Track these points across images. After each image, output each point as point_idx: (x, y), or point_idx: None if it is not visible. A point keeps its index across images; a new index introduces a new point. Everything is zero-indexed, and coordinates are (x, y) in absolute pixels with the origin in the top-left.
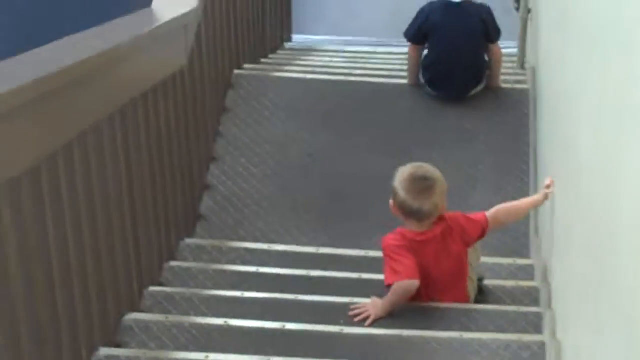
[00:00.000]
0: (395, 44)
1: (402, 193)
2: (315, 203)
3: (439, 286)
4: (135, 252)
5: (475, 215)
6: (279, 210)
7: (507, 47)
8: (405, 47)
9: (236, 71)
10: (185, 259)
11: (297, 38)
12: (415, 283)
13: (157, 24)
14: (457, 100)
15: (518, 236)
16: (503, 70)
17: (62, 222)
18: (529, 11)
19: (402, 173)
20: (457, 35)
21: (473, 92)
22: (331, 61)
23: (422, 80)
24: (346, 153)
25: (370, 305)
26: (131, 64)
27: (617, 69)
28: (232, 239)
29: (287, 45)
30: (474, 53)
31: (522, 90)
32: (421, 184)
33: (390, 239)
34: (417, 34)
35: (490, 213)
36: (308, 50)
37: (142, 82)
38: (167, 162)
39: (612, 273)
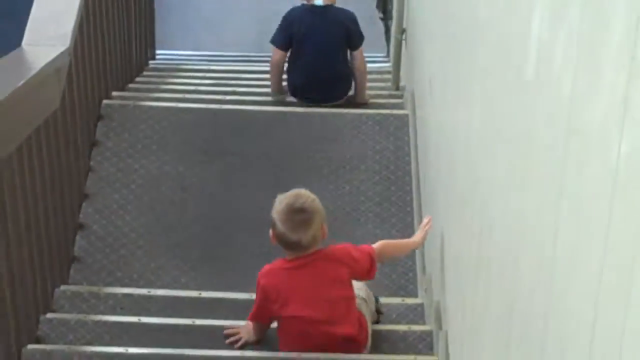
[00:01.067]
0: (262, 58)
1: (280, 225)
2: (193, 240)
3: (324, 312)
4: (12, 306)
5: (362, 246)
6: (156, 249)
7: (372, 59)
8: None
9: (105, 101)
10: (62, 309)
11: (160, 54)
12: (250, 325)
13: (31, 73)
14: (336, 128)
15: (405, 271)
16: (378, 92)
17: None
18: (403, 31)
19: (280, 203)
20: (321, 40)
21: (339, 100)
22: (201, 84)
23: (285, 87)
24: (223, 186)
25: (243, 328)
26: (5, 118)
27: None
28: (110, 283)
29: (152, 63)
30: (338, 57)
31: (402, 116)
32: (299, 217)
33: (260, 273)
34: (283, 39)
35: (376, 245)
36: (174, 71)
37: (17, 135)
38: (39, 203)
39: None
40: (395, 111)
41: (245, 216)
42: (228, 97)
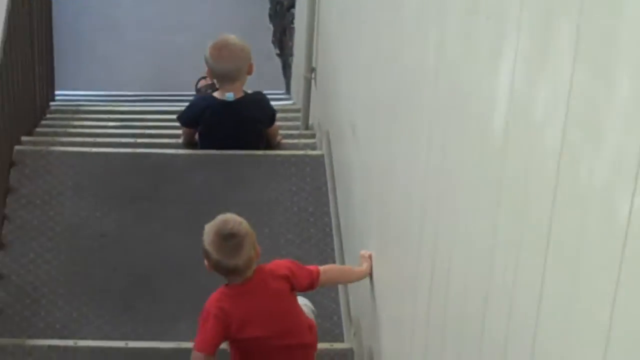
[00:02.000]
0: (164, 97)
1: (214, 254)
2: (114, 287)
3: (279, 327)
4: None
5: (308, 266)
6: (77, 298)
7: (272, 96)
8: (173, 104)
9: (17, 147)
10: None
11: (58, 94)
12: (200, 356)
13: None
14: (252, 170)
15: (329, 314)
16: (287, 131)
17: None
18: (312, 70)
19: (209, 232)
20: (233, 133)
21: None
22: (107, 126)
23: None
24: (142, 231)
25: None
26: None
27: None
28: (33, 334)
29: (52, 105)
30: (252, 140)
31: (317, 157)
32: (231, 243)
33: (208, 303)
34: (191, 123)
35: (322, 268)
36: (77, 113)
37: None
38: None
39: None
40: (309, 152)
41: (166, 261)
42: (139, 140)
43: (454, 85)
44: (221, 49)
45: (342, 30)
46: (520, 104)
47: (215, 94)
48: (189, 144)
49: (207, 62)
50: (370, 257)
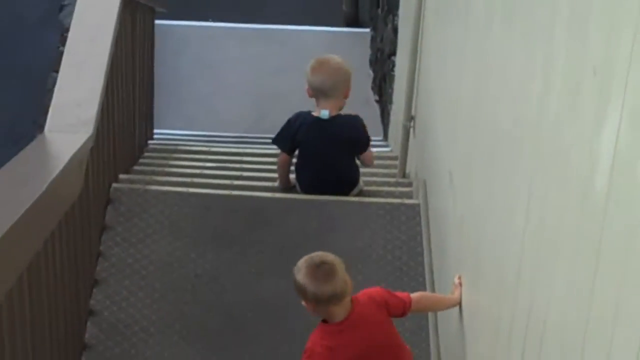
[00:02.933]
0: (261, 140)
1: (309, 286)
2: (206, 329)
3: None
4: None
5: (400, 293)
6: (169, 338)
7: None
8: (270, 146)
9: (114, 185)
10: None
11: (157, 133)
12: None
13: (59, 167)
14: (347, 217)
15: (417, 342)
16: (384, 179)
17: None
18: (411, 119)
19: (299, 270)
20: (326, 152)
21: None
22: (205, 167)
23: (293, 181)
24: (236, 274)
25: None
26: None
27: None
28: None
29: (150, 143)
30: (345, 165)
31: (413, 206)
32: (322, 269)
33: (310, 343)
34: (287, 144)
35: (414, 296)
36: (175, 152)
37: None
38: (53, 290)
39: None
40: (405, 200)
41: (259, 304)
42: (236, 182)
43: (555, 141)
44: (322, 63)
45: (442, 79)
46: (624, 163)
47: (312, 113)
48: (285, 187)
49: (306, 76)
50: (460, 284)
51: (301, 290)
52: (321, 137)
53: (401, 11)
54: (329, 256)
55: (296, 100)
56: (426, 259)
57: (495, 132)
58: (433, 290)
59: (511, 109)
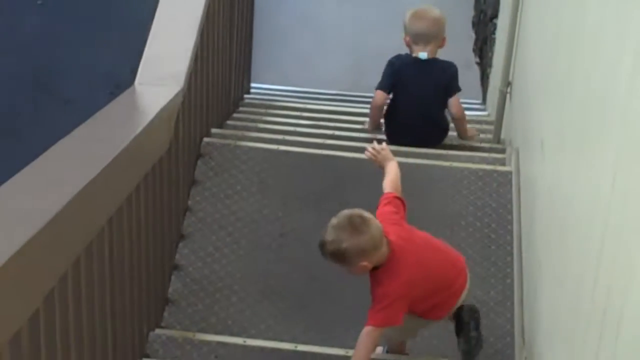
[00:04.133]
0: (358, 99)
1: (347, 242)
2: (289, 288)
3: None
4: (112, 350)
5: (385, 199)
6: (252, 296)
7: (467, 105)
8: (365, 105)
9: (206, 139)
10: (156, 353)
11: (254, 87)
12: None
13: (147, 119)
14: (439, 181)
15: (503, 335)
16: (478, 144)
17: None
18: (508, 84)
19: (336, 229)
20: (420, 93)
21: (436, 145)
22: (298, 124)
23: (382, 128)
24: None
25: None
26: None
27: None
28: (203, 329)
29: (246, 97)
30: (436, 109)
31: (505, 173)
32: (355, 222)
33: (385, 289)
34: (387, 84)
35: (390, 189)
36: (270, 108)
37: (131, 182)
38: (140, 244)
39: None
40: (498, 167)
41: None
42: (328, 142)
43: None
44: (420, 12)
45: (538, 47)
46: None
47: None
48: (374, 129)
49: (404, 25)
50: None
51: (355, 252)
52: (418, 75)
53: None
54: (355, 211)
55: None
56: (515, 228)
57: (585, 103)
58: (520, 261)
59: (601, 79)
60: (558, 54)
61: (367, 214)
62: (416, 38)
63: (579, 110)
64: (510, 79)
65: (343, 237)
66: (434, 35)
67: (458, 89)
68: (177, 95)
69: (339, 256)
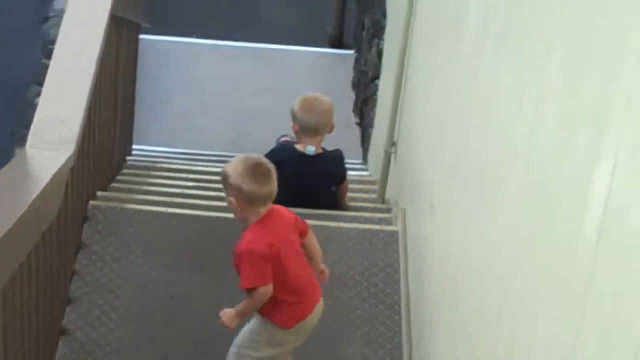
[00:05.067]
0: None
1: (247, 185)
2: (179, 352)
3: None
4: None
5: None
6: None
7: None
8: None
9: (92, 202)
10: None
11: (135, 149)
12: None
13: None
14: (326, 242)
15: None
16: (362, 204)
17: None
18: (393, 144)
19: (236, 168)
20: (308, 184)
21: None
22: (184, 186)
23: None
24: (211, 297)
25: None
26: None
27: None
28: None
29: (129, 159)
30: (324, 194)
31: (391, 233)
32: (261, 170)
33: (246, 244)
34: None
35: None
36: (153, 170)
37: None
38: (27, 310)
39: None
40: (385, 227)
41: (235, 331)
42: (215, 204)
43: (544, 181)
44: (310, 103)
45: (425, 107)
46: (617, 209)
47: (296, 147)
48: None
49: (293, 114)
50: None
51: (235, 189)
52: (306, 173)
53: (387, 35)
54: (263, 158)
55: (277, 120)
56: (402, 287)
57: (480, 165)
58: (408, 319)
59: (498, 141)
60: (447, 116)
61: (274, 174)
62: (305, 130)
63: (473, 171)
64: (395, 139)
65: (239, 169)
66: (323, 126)
67: (345, 176)
68: (68, 160)
69: (224, 177)
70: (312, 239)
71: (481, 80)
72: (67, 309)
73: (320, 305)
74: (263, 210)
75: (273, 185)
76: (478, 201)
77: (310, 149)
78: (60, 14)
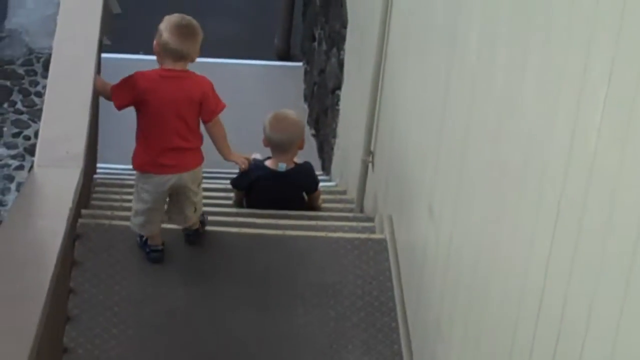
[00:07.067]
0: (220, 175)
1: (167, 35)
2: None
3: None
4: None
5: (219, 104)
6: None
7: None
8: (222, 180)
9: (80, 220)
10: None
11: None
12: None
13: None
14: (315, 252)
15: None
16: (342, 214)
17: None
18: (370, 154)
19: (168, 21)
20: (279, 198)
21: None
22: None
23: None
24: (207, 310)
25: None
26: None
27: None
28: None
29: (96, 178)
30: (294, 205)
31: (379, 241)
32: (186, 30)
33: (138, 73)
34: (244, 187)
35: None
36: (123, 187)
37: None
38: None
39: None
40: (372, 235)
41: (231, 340)
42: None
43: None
44: (280, 121)
45: (417, 115)
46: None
47: (267, 163)
48: (240, 205)
49: (265, 131)
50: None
51: (158, 34)
52: (278, 188)
53: (348, 45)
54: (194, 20)
55: (231, 135)
56: (397, 294)
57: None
58: (406, 325)
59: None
60: (451, 119)
61: (197, 27)
62: (276, 147)
63: (484, 176)
64: (372, 148)
65: (172, 20)
66: (294, 143)
67: (316, 186)
68: (80, 175)
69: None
70: (215, 127)
71: (480, 83)
72: (67, 327)
73: (189, 175)
74: (169, 64)
75: (190, 46)
76: (496, 202)
77: (282, 166)
78: (12, 34)
